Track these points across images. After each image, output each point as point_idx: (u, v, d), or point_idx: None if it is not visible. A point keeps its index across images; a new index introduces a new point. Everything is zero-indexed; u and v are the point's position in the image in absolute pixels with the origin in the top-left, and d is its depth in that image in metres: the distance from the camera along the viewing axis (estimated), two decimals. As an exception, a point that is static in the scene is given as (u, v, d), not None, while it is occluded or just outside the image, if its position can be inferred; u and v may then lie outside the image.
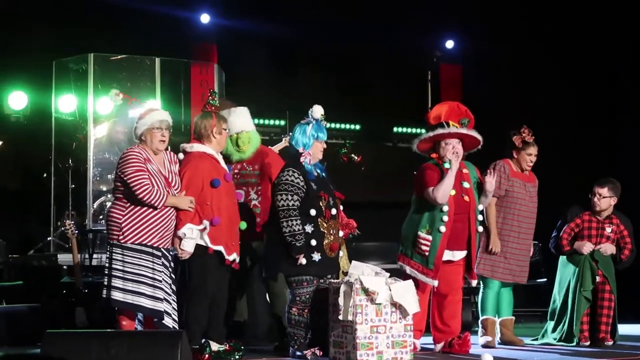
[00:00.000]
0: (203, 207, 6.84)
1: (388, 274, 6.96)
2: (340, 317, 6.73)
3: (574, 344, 7.93)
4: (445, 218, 7.19)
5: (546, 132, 8.35)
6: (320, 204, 6.91)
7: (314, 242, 6.86)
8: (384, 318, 6.75)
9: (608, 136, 12.05)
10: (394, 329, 6.78)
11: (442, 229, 7.19)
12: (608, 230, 8.11)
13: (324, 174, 7.11)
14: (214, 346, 6.88)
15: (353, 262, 7.04)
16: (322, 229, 6.91)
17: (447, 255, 7.30)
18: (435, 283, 7.24)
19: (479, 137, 7.38)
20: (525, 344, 8.03)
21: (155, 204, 6.65)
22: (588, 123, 12.07)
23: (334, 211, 7.00)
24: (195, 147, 7.01)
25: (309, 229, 6.86)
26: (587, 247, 8.04)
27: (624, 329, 8.41)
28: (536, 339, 8.21)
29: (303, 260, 6.81)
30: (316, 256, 6.87)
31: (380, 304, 6.73)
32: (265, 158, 7.70)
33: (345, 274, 7.13)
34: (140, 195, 6.63)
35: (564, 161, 11.16)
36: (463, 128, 7.31)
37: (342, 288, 6.76)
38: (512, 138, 7.94)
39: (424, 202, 7.29)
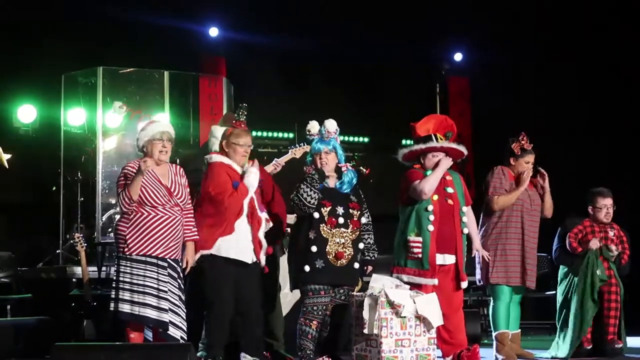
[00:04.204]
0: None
1: (408, 287, 6.97)
2: (366, 331, 6.73)
3: (566, 355, 7.94)
4: (432, 217, 7.25)
5: (553, 144, 8.37)
6: (322, 211, 7.05)
7: (314, 249, 6.99)
8: (409, 331, 6.75)
9: (611, 147, 12.04)
10: (418, 343, 6.79)
11: (430, 227, 7.23)
12: (611, 233, 8.19)
13: (339, 185, 7.23)
14: (245, 358, 6.91)
15: (374, 275, 7.07)
16: (324, 235, 7.03)
17: (439, 259, 7.31)
18: (436, 282, 7.21)
19: (465, 150, 7.51)
20: (535, 356, 8.00)
21: (131, 200, 6.67)
22: (594, 134, 12.06)
23: (341, 220, 7.08)
24: (213, 157, 7.06)
25: (311, 235, 7.02)
26: (594, 242, 8.07)
27: (633, 341, 8.39)
28: (546, 351, 8.20)
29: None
30: (319, 263, 6.96)
31: (405, 317, 6.73)
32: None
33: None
34: (122, 207, 6.72)
35: (571, 172, 11.14)
36: (453, 142, 7.43)
37: (367, 301, 6.76)
38: (511, 145, 7.99)
39: (409, 208, 7.34)
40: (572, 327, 7.99)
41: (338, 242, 7.06)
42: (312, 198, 7.04)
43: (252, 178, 6.94)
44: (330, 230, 7.06)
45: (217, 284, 6.89)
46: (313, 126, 7.32)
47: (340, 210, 7.11)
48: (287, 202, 7.37)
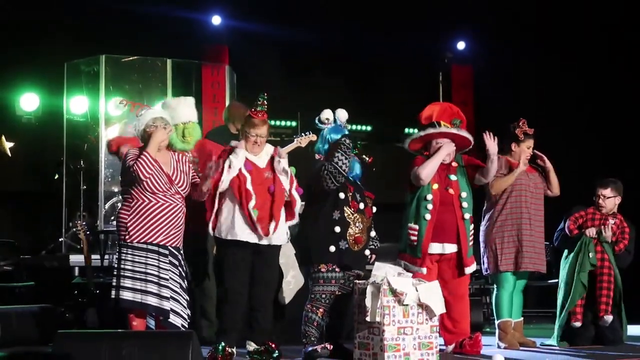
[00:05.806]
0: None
1: (411, 274, 6.98)
2: (368, 319, 6.73)
3: (556, 340, 7.96)
4: (430, 206, 7.28)
5: (556, 134, 8.35)
6: (347, 192, 7.04)
7: (338, 229, 6.97)
8: (411, 319, 6.75)
9: (615, 138, 12.01)
10: (420, 330, 6.78)
11: (428, 216, 7.27)
12: (611, 221, 8.15)
13: (351, 173, 7.21)
14: (251, 346, 6.91)
15: (376, 263, 7.06)
16: (347, 218, 7.03)
17: (438, 248, 7.34)
18: (424, 270, 7.26)
19: (470, 137, 7.46)
20: (537, 345, 8.01)
21: (151, 161, 6.63)
22: (597, 124, 12.04)
23: (361, 205, 7.10)
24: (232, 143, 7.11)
25: (335, 215, 6.98)
26: (591, 230, 8.05)
27: (633, 330, 8.39)
28: (547, 340, 8.20)
29: None
30: (342, 244, 6.97)
31: (407, 305, 6.74)
32: (205, 148, 7.66)
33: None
34: (134, 170, 6.61)
35: (575, 163, 11.13)
36: (454, 128, 7.37)
37: (369, 289, 6.76)
38: (514, 131, 7.96)
39: (411, 196, 7.38)
40: (559, 308, 8.01)
41: (358, 227, 7.08)
42: (346, 166, 6.96)
43: (232, 161, 6.86)
44: (353, 214, 7.06)
45: (230, 272, 6.89)
46: (328, 115, 7.25)
47: (358, 196, 7.14)
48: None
